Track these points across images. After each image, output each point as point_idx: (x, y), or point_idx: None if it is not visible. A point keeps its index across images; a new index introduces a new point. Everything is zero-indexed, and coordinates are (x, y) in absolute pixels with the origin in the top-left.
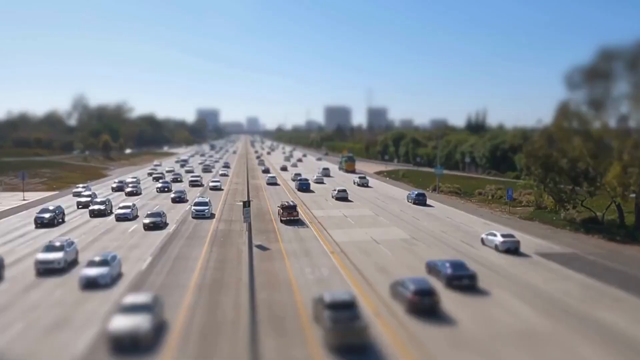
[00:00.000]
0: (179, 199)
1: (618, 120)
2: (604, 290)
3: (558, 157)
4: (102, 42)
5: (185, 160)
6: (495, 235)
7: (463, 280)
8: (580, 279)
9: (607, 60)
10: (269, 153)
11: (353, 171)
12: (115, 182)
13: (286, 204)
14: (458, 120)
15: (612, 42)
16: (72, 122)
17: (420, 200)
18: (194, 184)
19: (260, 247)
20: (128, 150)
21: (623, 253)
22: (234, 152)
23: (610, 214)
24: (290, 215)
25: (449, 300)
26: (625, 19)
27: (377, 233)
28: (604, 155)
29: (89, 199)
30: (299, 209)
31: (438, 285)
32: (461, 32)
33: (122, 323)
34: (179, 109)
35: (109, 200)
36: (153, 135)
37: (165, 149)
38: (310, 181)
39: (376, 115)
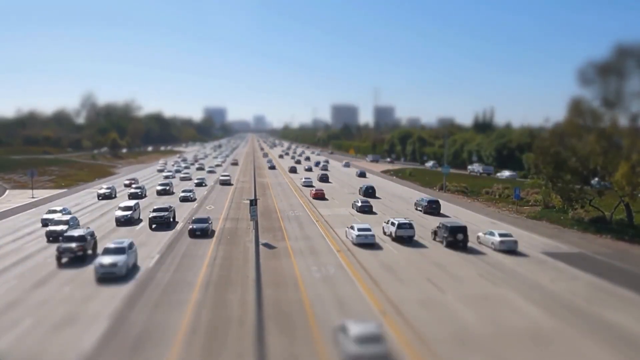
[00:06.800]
0: None
1: (629, 119)
2: (611, 290)
3: (567, 155)
4: (111, 41)
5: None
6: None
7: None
8: (588, 278)
9: (621, 57)
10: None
11: None
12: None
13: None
14: (465, 119)
15: (626, 40)
16: (81, 120)
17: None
18: None
19: (266, 245)
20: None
21: (631, 253)
22: None
23: (618, 213)
24: None
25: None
26: (632, 23)
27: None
28: (613, 153)
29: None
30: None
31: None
32: (468, 30)
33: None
34: (187, 107)
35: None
36: (160, 134)
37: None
38: None
39: (383, 113)
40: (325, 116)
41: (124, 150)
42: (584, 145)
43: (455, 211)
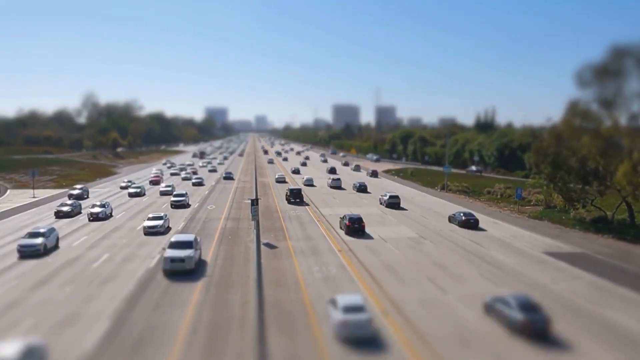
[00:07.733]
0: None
1: (629, 118)
2: (613, 290)
3: (567, 155)
4: (111, 41)
5: None
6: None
7: None
8: (589, 278)
9: (618, 57)
10: None
11: None
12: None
13: None
14: (467, 118)
15: (624, 40)
16: (82, 120)
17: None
18: None
19: (268, 245)
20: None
21: (633, 253)
22: None
23: (620, 213)
24: None
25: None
26: (633, 23)
27: (384, 231)
28: (613, 153)
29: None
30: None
31: None
32: (469, 30)
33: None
34: (188, 107)
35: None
36: (161, 133)
37: (181, 146)
38: None
39: (384, 113)
40: (327, 116)
41: (119, 149)
42: (582, 147)
43: (457, 211)
